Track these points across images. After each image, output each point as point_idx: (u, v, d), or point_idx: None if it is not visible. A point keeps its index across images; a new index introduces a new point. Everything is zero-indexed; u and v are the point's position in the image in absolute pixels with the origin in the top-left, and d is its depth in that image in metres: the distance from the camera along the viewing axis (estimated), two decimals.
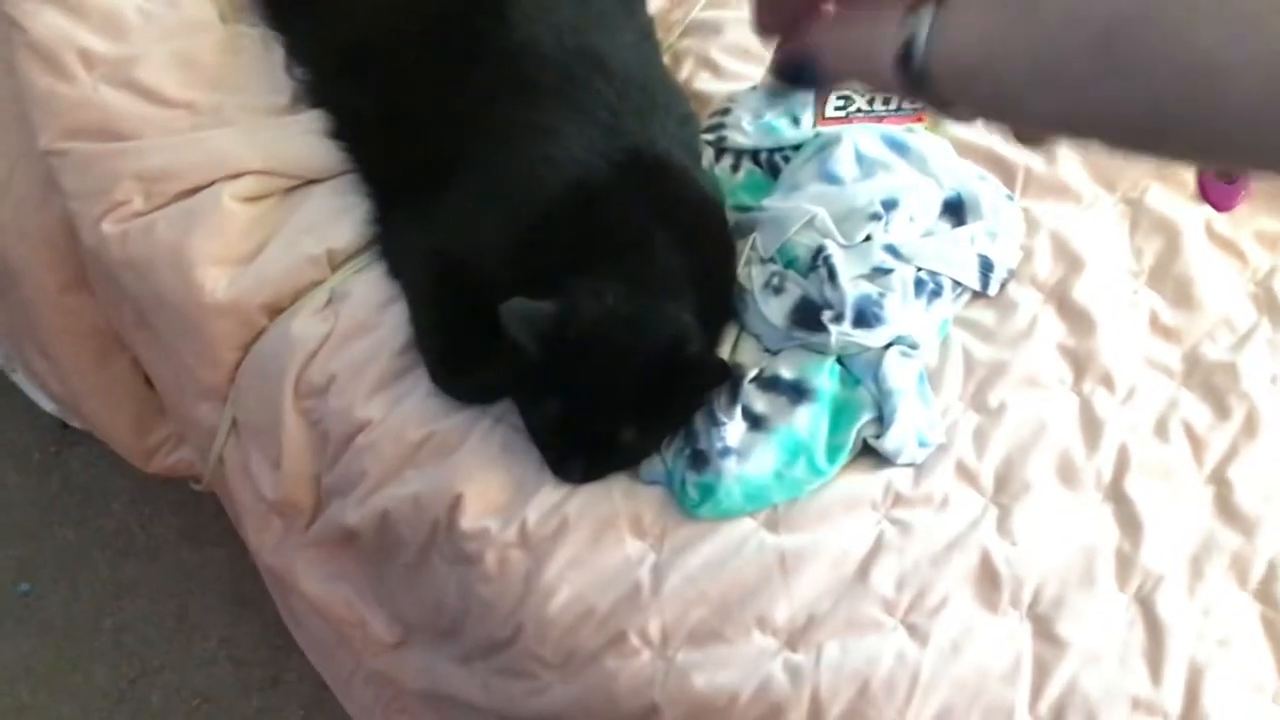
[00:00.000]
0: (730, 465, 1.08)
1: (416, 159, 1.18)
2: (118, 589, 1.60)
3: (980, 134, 1.34)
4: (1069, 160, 1.32)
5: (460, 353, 1.13)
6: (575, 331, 1.02)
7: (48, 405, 1.61)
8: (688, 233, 1.13)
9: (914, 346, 1.15)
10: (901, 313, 1.14)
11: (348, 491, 1.17)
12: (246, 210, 1.21)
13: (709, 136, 1.30)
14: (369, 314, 1.18)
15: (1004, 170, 1.31)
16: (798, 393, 1.11)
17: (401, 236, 1.19)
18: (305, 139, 1.25)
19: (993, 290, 1.22)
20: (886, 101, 1.31)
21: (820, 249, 1.15)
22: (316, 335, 1.17)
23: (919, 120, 1.32)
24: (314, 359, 1.16)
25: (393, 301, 1.18)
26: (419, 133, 1.18)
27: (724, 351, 1.17)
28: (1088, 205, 1.31)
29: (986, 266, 1.21)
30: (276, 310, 1.20)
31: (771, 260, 1.18)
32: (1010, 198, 1.28)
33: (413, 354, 1.16)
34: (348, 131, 1.25)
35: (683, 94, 1.30)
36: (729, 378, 1.06)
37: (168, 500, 1.64)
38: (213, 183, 1.21)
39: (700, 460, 1.09)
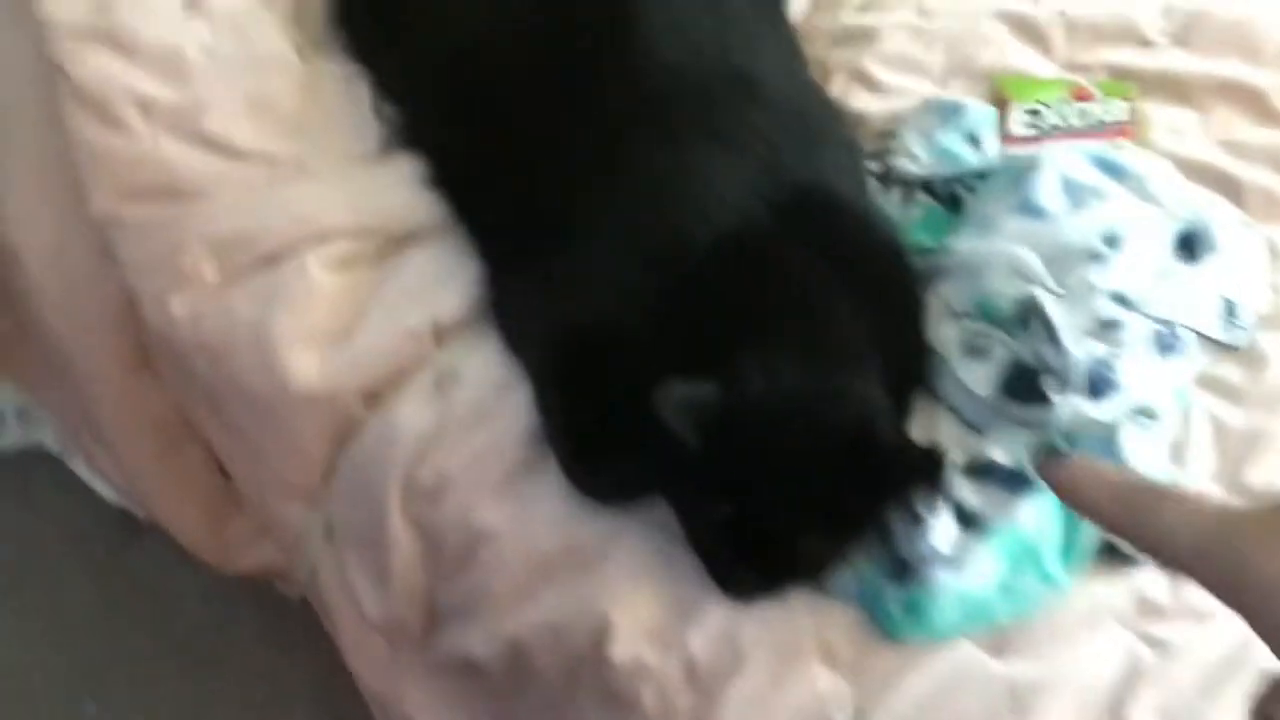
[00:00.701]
0: (941, 576, 0.92)
1: (532, 209, 1.04)
2: (195, 706, 1.47)
3: (1200, 145, 1.17)
4: None
5: (599, 443, 0.98)
6: (744, 418, 0.87)
7: (110, 495, 1.51)
8: (870, 287, 0.97)
9: (1153, 416, 0.98)
10: (1138, 376, 0.97)
11: (469, 614, 1.03)
12: (337, 279, 1.08)
13: (873, 165, 1.16)
14: (486, 398, 1.04)
15: (1231, 189, 1.15)
16: (1018, 482, 0.95)
17: (519, 303, 1.05)
18: (400, 190, 1.12)
19: (1240, 341, 1.04)
20: (1082, 115, 1.16)
21: (1030, 300, 0.99)
22: (425, 426, 1.03)
23: (1124, 135, 1.16)
24: (423, 455, 1.03)
25: (514, 382, 1.04)
26: (534, 177, 1.04)
27: (918, 431, 1.00)
28: None
29: (1231, 312, 1.04)
30: (376, 397, 1.06)
31: (968, 315, 1.02)
32: (1247, 223, 1.11)
33: (542, 446, 1.01)
34: (449, 179, 1.12)
35: (845, 117, 1.16)
36: (939, 470, 0.90)
37: (248, 597, 1.50)
38: (297, 247, 1.08)
39: (903, 570, 0.93)
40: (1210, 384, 1.05)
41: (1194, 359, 1.04)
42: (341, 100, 1.18)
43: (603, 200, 1.01)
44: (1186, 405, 1.02)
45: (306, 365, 1.05)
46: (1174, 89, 1.22)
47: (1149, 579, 0.96)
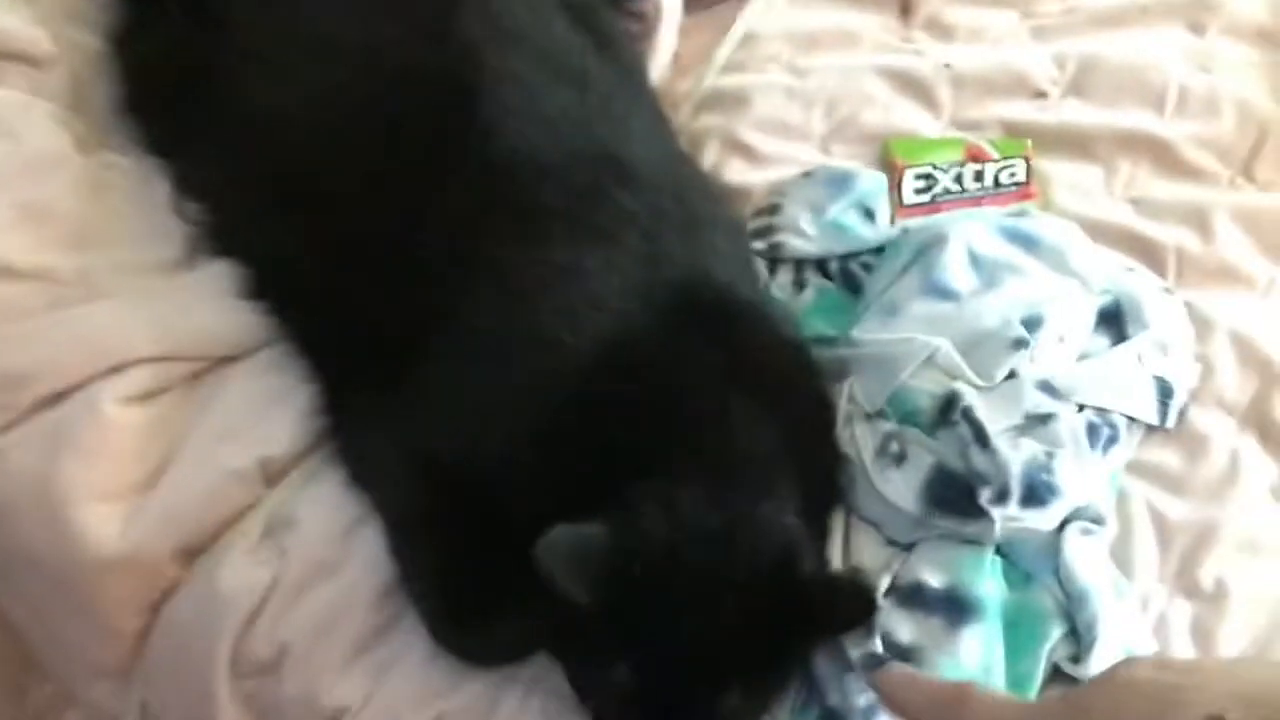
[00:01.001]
0: None
1: (378, 319, 0.91)
2: None
3: (1108, 204, 1.12)
4: (1229, 232, 1.09)
5: (472, 595, 0.86)
6: (641, 563, 0.77)
7: None
8: (772, 391, 0.87)
9: (1097, 521, 0.90)
10: (1077, 475, 0.89)
11: None
12: (137, 415, 0.95)
13: (759, 245, 1.07)
14: (328, 547, 0.91)
15: (1145, 251, 1.08)
16: (955, 608, 0.85)
17: (367, 432, 0.92)
18: (211, 304, 0.99)
19: (1171, 422, 0.97)
20: (979, 177, 1.09)
21: (951, 395, 0.90)
22: (255, 586, 0.90)
23: (1027, 196, 1.10)
24: (255, 621, 0.90)
25: (360, 524, 0.92)
26: (378, 282, 0.92)
27: (835, 556, 0.90)
28: (1264, 290, 1.08)
29: (1165, 392, 0.96)
30: (193, 554, 0.92)
31: (881, 416, 0.93)
32: (1168, 290, 1.04)
33: (399, 600, 0.90)
34: (273, 289, 0.99)
35: (723, 193, 1.06)
36: (871, 604, 0.80)
37: None
38: (86, 382, 0.94)
39: None
40: (1145, 471, 0.96)
41: (1128, 445, 0.95)
42: (134, 200, 1.05)
43: (460, 309, 0.90)
44: (1119, 494, 0.95)
45: (104, 524, 0.91)
46: (1074, 143, 1.16)
47: None
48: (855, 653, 0.82)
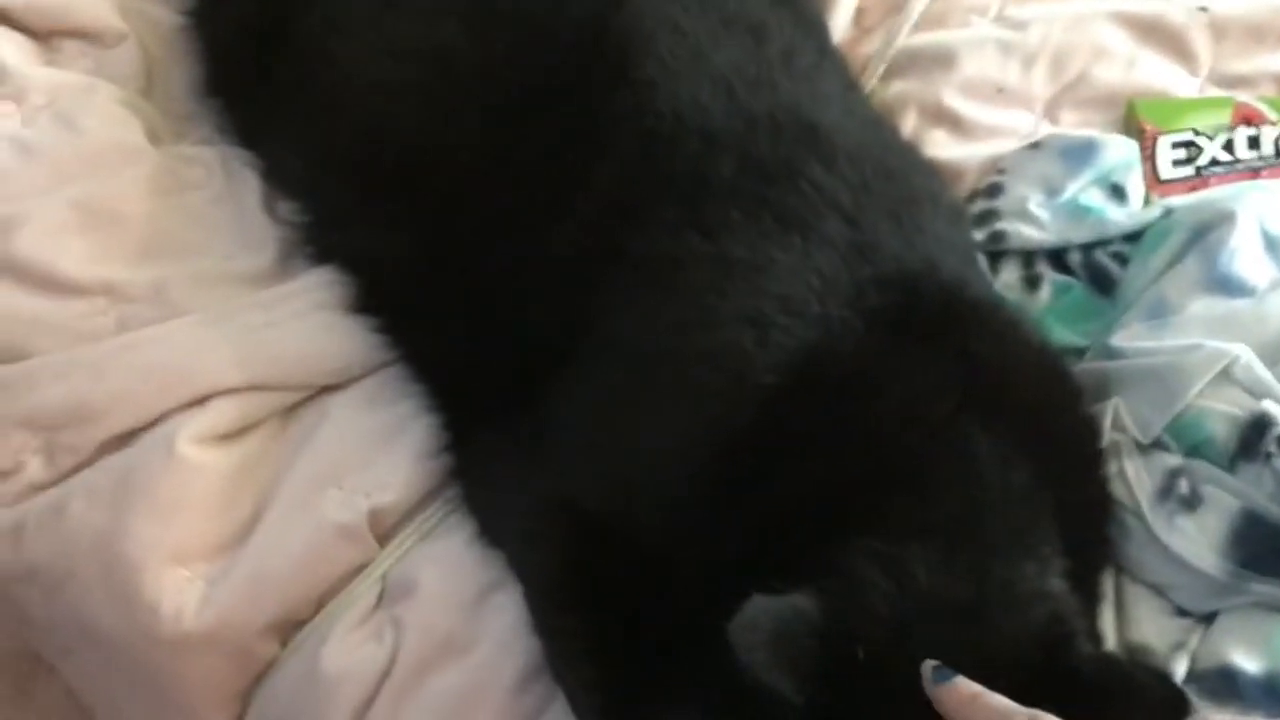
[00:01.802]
0: None
1: (508, 334, 0.84)
2: None
3: None
4: None
5: (632, 682, 0.76)
6: (868, 649, 0.65)
7: None
8: (1024, 421, 0.75)
9: None
10: None
11: None
12: (221, 457, 0.90)
13: (975, 235, 0.95)
14: (456, 618, 0.84)
15: None
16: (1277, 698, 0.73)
17: (498, 474, 0.85)
18: (308, 322, 0.93)
19: None
20: (1254, 144, 0.97)
21: (1260, 420, 0.77)
22: (367, 668, 0.84)
23: None
24: (368, 712, 0.83)
25: (494, 589, 0.84)
26: (510, 287, 0.85)
27: (1105, 626, 0.78)
28: None
29: None
30: (291, 628, 0.87)
31: (1161, 446, 0.80)
32: None
33: (544, 685, 0.81)
34: (383, 299, 0.92)
35: (934, 169, 0.95)
36: (1185, 712, 0.66)
37: None
38: (161, 418, 0.89)
39: None
40: None
41: None
42: (216, 200, 1.01)
43: (612, 316, 0.81)
44: None
45: (182, 593, 0.85)
46: None
47: None
48: None
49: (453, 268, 0.87)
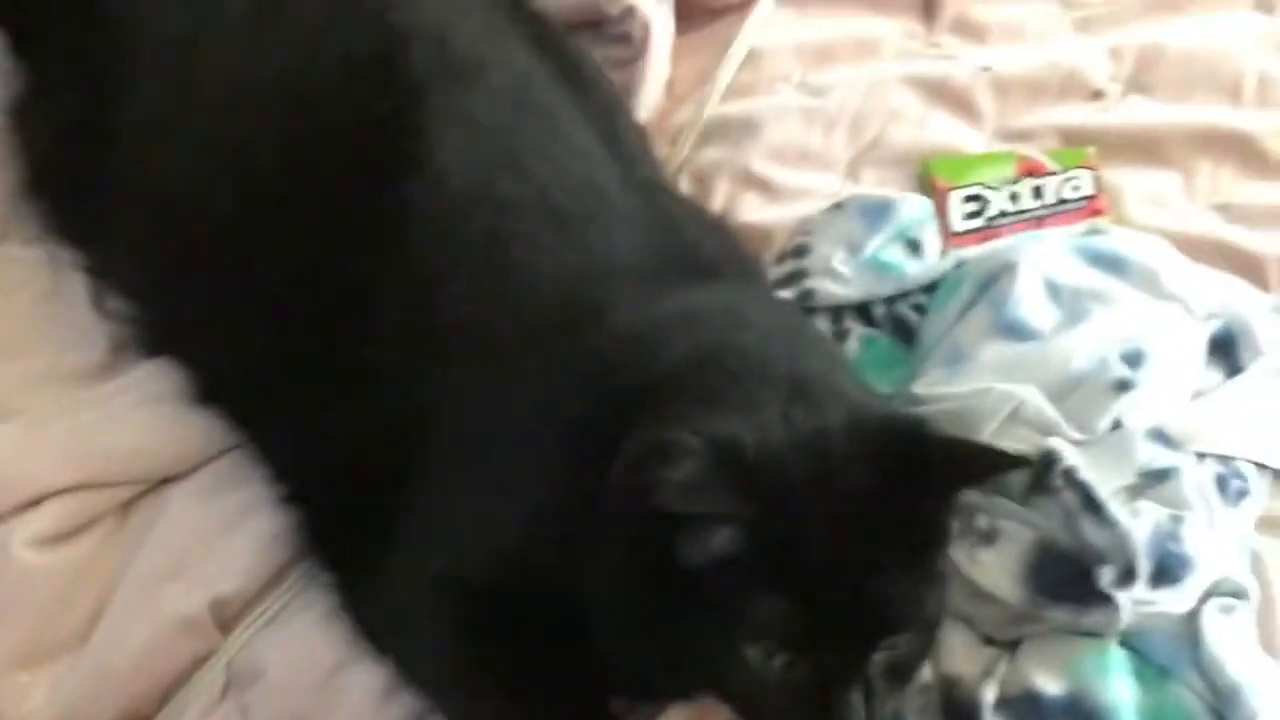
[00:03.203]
0: None
1: (356, 421, 0.83)
2: None
3: (1190, 214, 1.05)
4: None
5: None
6: (789, 461, 0.68)
7: None
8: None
9: (1238, 595, 0.80)
10: (1209, 541, 0.79)
11: None
12: (57, 559, 0.89)
13: (786, 293, 0.97)
14: (305, 700, 0.83)
15: (1246, 267, 1.00)
16: (1081, 718, 0.75)
17: (377, 575, 0.82)
18: (141, 416, 0.92)
19: None
20: (1038, 194, 1.01)
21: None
22: None
23: (1096, 212, 1.04)
24: None
25: (342, 669, 0.83)
26: (346, 372, 0.83)
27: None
28: None
29: None
30: None
31: None
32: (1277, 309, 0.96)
33: None
34: (221, 391, 0.91)
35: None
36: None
37: None
38: None
39: None
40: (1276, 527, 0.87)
41: (1259, 497, 0.85)
42: (44, 299, 0.99)
43: (446, 386, 0.81)
44: (1251, 556, 0.85)
45: (25, 697, 0.84)
46: (1143, 146, 1.09)
47: None
48: None
49: (287, 359, 0.85)
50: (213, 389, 0.90)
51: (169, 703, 0.83)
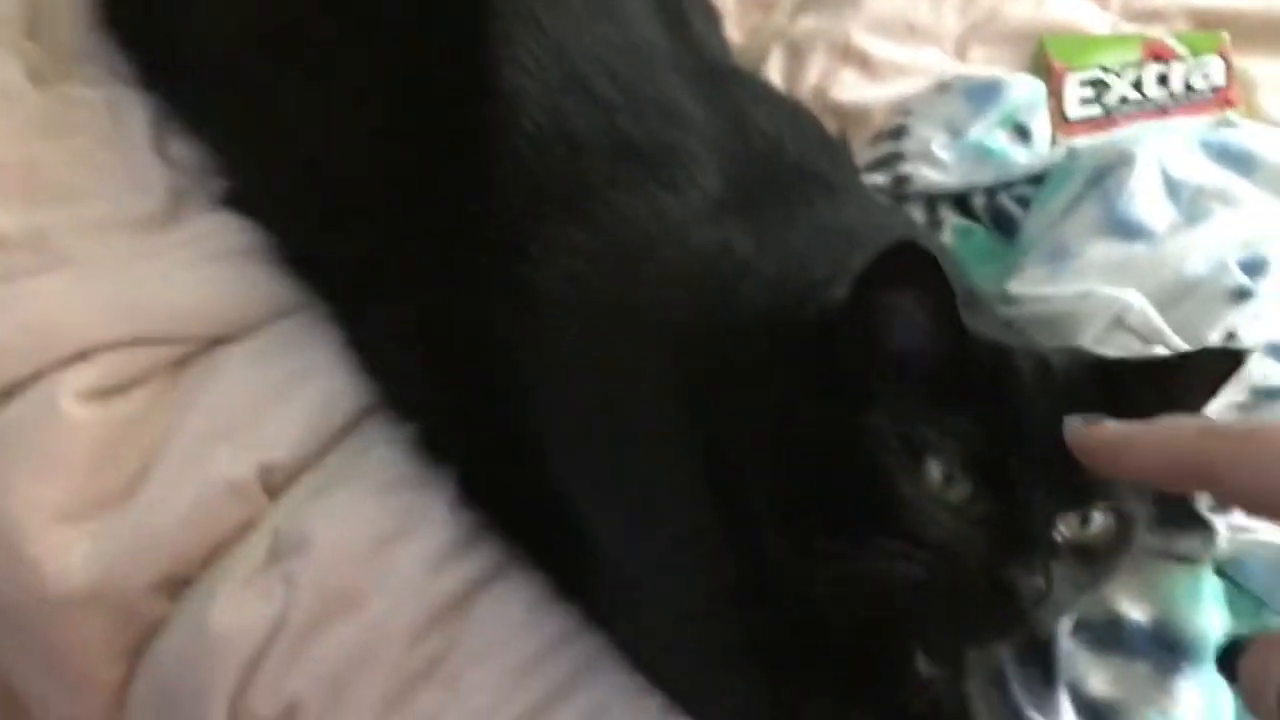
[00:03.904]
0: None
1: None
2: None
3: None
4: None
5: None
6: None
7: None
8: None
9: None
10: None
11: None
12: (105, 414, 0.84)
13: (878, 178, 0.93)
14: (350, 572, 0.80)
15: None
16: (1167, 649, 0.73)
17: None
18: (199, 271, 0.89)
19: None
20: (1164, 81, 0.95)
21: None
22: (256, 625, 0.79)
23: (1228, 103, 1.01)
24: (258, 670, 0.78)
25: (390, 541, 0.80)
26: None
27: None
28: None
29: None
30: (180, 586, 0.82)
31: None
32: None
33: (441, 637, 0.78)
34: (309, 255, 0.89)
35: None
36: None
37: None
38: (41, 374, 0.84)
39: None
40: None
41: None
42: (104, 143, 0.94)
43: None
44: None
45: (66, 552, 0.80)
46: None
47: None
48: (1031, 712, 0.69)
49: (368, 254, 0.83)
50: (301, 250, 0.88)
51: (213, 566, 0.81)
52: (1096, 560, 0.63)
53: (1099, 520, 0.62)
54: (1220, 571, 0.76)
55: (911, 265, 0.61)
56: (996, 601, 0.59)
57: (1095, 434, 0.48)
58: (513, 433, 0.77)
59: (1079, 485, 0.61)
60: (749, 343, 0.69)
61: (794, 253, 0.73)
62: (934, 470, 0.60)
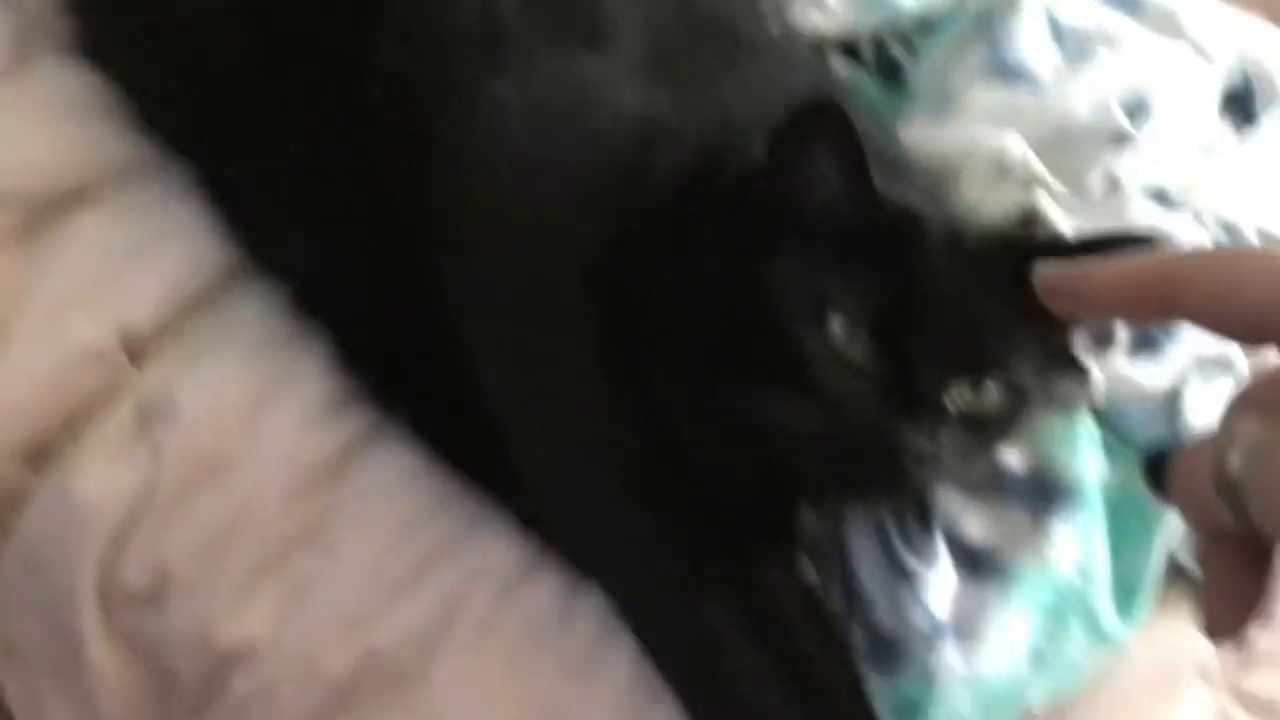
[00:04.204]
0: (946, 657, 0.68)
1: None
2: None
3: None
4: None
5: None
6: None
7: None
8: None
9: (1224, 366, 0.76)
10: None
11: None
12: None
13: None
14: (220, 440, 0.78)
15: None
16: (1042, 493, 0.72)
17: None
18: (51, 124, 0.85)
19: None
20: None
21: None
22: (123, 495, 0.77)
23: None
24: (126, 540, 0.77)
25: (262, 407, 0.78)
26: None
27: None
28: None
29: None
30: (43, 455, 0.80)
31: None
32: None
33: (314, 502, 0.76)
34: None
35: None
36: None
37: None
38: None
39: (888, 650, 0.69)
40: None
41: None
42: None
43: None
44: None
45: None
46: None
47: None
48: (908, 558, 0.69)
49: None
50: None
51: (73, 436, 0.79)
52: (986, 431, 0.65)
53: (992, 391, 0.63)
54: (1097, 418, 0.76)
55: (826, 123, 0.61)
56: (882, 459, 0.61)
57: (1061, 274, 0.46)
58: (404, 292, 0.76)
59: (975, 355, 0.62)
60: (668, 208, 0.68)
61: (715, 116, 0.72)
62: (835, 326, 0.61)
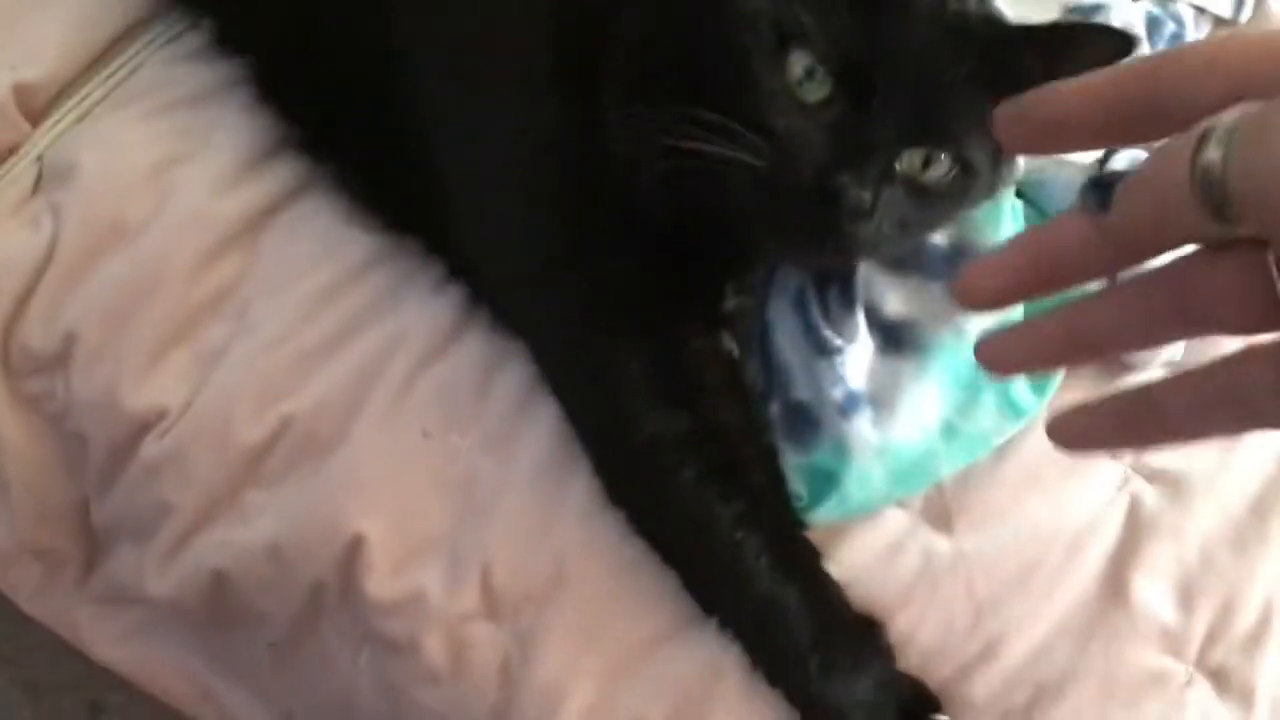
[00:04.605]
0: (861, 429, 0.68)
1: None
2: None
3: None
4: None
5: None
6: None
7: None
8: None
9: None
10: None
11: (141, 538, 0.75)
12: None
13: None
14: (123, 201, 0.75)
15: None
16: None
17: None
18: None
19: (1246, 14, 0.82)
20: None
21: None
22: (23, 257, 0.74)
23: None
24: (27, 304, 0.74)
25: (171, 165, 0.75)
26: None
27: None
28: None
29: None
30: None
31: None
32: None
33: (225, 267, 0.74)
34: None
35: None
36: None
37: None
38: None
39: (804, 423, 0.69)
40: None
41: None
42: None
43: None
44: None
45: None
46: None
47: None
48: (828, 333, 0.68)
49: None
50: None
51: None
52: (929, 203, 0.62)
53: (942, 163, 0.61)
54: (1020, 194, 0.75)
55: None
56: (820, 206, 0.58)
57: (1028, 97, 0.38)
58: (343, 17, 0.73)
59: (933, 124, 0.60)
60: None
61: None
62: (797, 62, 0.58)
